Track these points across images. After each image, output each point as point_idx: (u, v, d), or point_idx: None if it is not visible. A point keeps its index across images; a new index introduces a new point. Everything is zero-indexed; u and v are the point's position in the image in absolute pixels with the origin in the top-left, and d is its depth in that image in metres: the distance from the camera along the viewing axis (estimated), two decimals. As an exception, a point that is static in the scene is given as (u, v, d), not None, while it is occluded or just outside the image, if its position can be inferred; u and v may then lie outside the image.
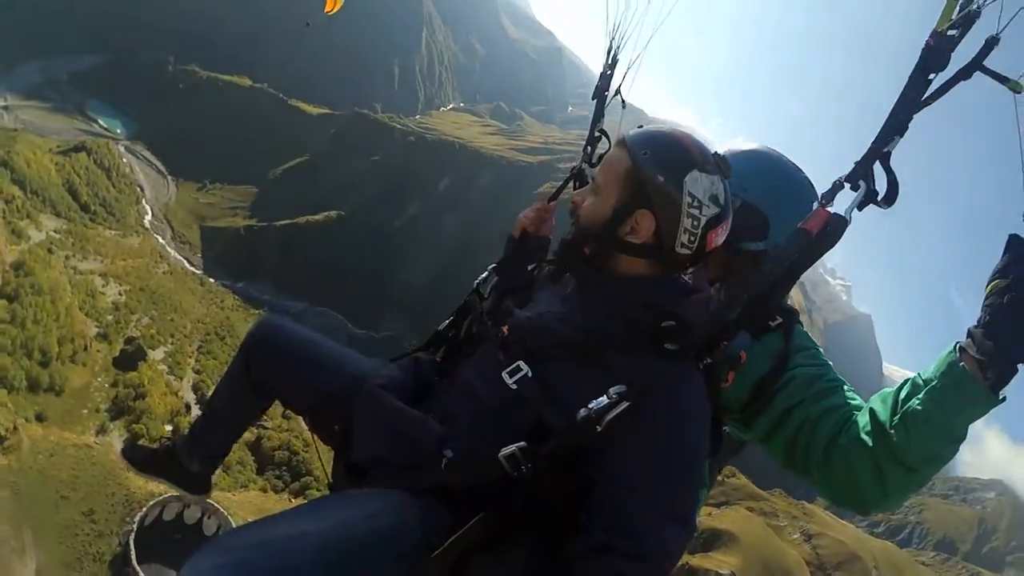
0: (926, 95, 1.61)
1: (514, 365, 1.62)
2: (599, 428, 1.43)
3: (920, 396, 1.53)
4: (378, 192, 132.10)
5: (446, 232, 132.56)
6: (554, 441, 1.47)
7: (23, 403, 42.16)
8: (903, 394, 1.58)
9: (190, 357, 73.19)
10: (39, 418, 42.34)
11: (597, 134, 2.57)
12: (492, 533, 1.49)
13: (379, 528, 1.42)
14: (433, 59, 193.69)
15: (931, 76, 1.59)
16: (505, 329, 1.75)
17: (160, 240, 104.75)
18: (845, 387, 1.86)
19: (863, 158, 1.66)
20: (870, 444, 1.61)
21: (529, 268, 2.08)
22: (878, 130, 1.65)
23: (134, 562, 32.32)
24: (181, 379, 66.46)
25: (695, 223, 1.58)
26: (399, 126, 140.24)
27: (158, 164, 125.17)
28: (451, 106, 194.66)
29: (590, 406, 1.44)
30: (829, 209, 1.66)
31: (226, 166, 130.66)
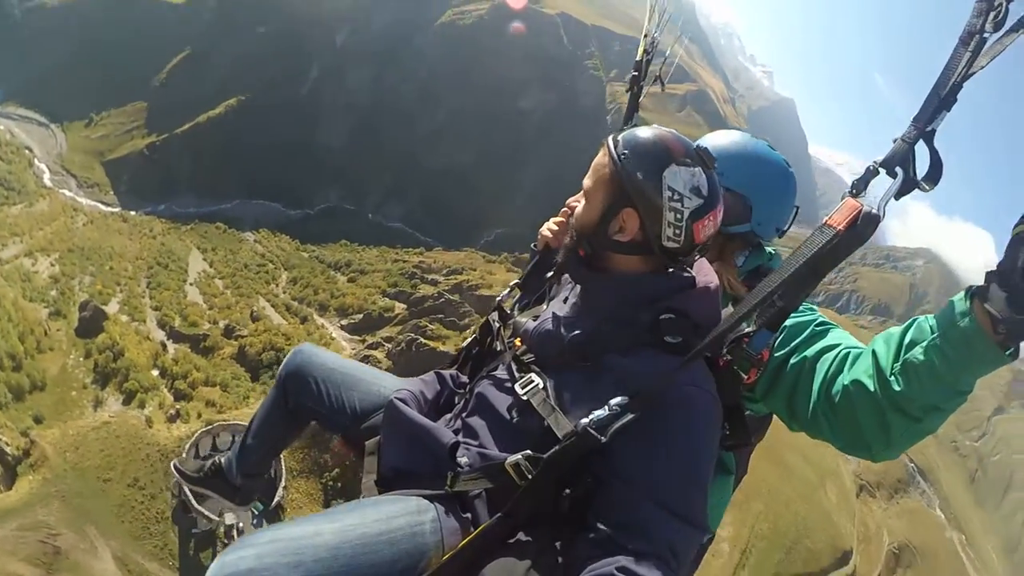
0: (978, 59, 1.32)
1: (526, 377, 1.66)
2: (603, 439, 1.42)
3: (924, 345, 1.45)
4: (274, 64, 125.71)
5: (355, 85, 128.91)
6: (557, 450, 1.47)
7: (17, 414, 43.42)
8: (907, 338, 1.51)
9: (143, 297, 74.19)
10: (37, 420, 43.70)
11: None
12: (503, 535, 1.53)
13: (392, 530, 1.51)
14: None
15: (986, 35, 1.30)
16: (518, 341, 1.85)
17: (67, 194, 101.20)
18: (837, 328, 1.88)
19: (903, 140, 1.40)
20: (872, 389, 1.56)
21: (546, 276, 2.12)
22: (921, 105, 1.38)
23: (194, 504, 33.69)
24: (144, 322, 67.84)
25: (678, 216, 1.59)
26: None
27: (37, 117, 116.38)
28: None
29: (591, 417, 1.44)
30: (860, 201, 1.41)
31: (106, 90, 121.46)
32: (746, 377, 1.63)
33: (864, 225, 1.39)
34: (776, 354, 1.87)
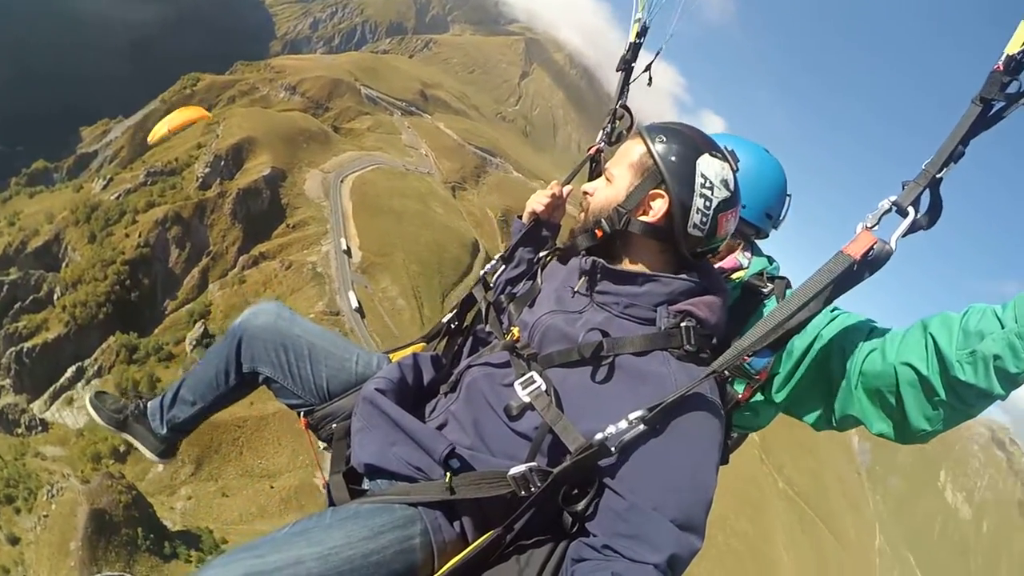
0: (986, 120, 1.50)
1: (527, 376, 1.56)
2: (613, 450, 1.38)
3: (997, 338, 1.40)
4: None
5: None
6: (569, 463, 1.40)
7: None
8: (971, 326, 1.47)
9: None
10: None
11: (620, 110, 2.47)
12: (498, 549, 1.48)
13: (381, 548, 1.41)
14: None
15: (993, 100, 1.47)
16: (515, 332, 1.73)
17: None
18: (851, 312, 1.83)
19: (916, 184, 1.51)
20: (925, 373, 1.52)
21: (538, 256, 2.01)
22: (933, 155, 1.52)
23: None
24: None
25: (707, 203, 1.58)
26: None
27: None
28: None
29: (607, 432, 1.38)
30: (875, 234, 1.48)
31: None
32: (740, 395, 1.65)
33: (876, 256, 1.46)
34: (801, 343, 1.80)
